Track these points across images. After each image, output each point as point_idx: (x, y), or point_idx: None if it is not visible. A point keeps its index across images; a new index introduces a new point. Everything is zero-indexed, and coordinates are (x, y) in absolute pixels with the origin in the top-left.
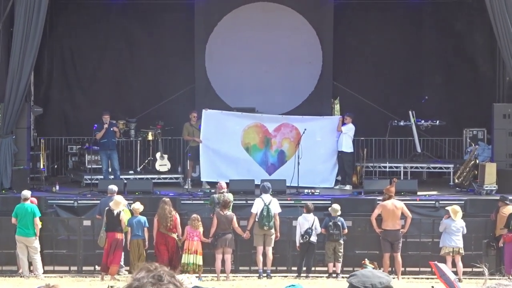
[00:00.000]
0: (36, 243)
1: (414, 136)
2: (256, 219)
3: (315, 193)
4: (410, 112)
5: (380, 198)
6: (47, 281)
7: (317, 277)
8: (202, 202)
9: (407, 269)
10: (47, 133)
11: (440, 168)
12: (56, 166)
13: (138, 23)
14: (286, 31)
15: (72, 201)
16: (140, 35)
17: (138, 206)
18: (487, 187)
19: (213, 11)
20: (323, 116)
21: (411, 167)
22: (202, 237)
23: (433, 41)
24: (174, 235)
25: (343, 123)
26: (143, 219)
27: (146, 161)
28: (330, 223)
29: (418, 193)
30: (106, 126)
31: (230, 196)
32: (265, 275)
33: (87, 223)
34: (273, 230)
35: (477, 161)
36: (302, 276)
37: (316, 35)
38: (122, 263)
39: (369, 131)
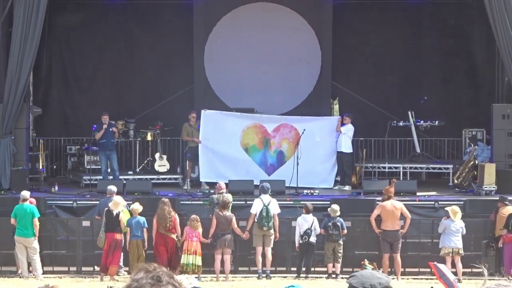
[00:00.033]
0: (35, 244)
1: (413, 137)
2: (255, 220)
3: (314, 194)
4: (409, 113)
5: (380, 198)
6: (46, 281)
7: (317, 277)
8: (201, 202)
9: (407, 269)
10: (46, 134)
11: (440, 168)
12: (55, 167)
13: (137, 23)
14: (285, 31)
15: (71, 202)
16: (139, 35)
17: (137, 207)
18: (486, 187)
19: (212, 11)
20: (322, 116)
21: (410, 168)
22: (201, 238)
23: (432, 41)
24: (173, 236)
25: (342, 124)
26: (142, 219)
27: (145, 161)
28: (330, 224)
29: (418, 193)
30: (105, 126)
31: (229, 197)
32: (264, 275)
33: (86, 223)
34: (272, 231)
35: (476, 162)
36: (302, 277)
37: (315, 35)
38: (121, 263)
39: (368, 131)
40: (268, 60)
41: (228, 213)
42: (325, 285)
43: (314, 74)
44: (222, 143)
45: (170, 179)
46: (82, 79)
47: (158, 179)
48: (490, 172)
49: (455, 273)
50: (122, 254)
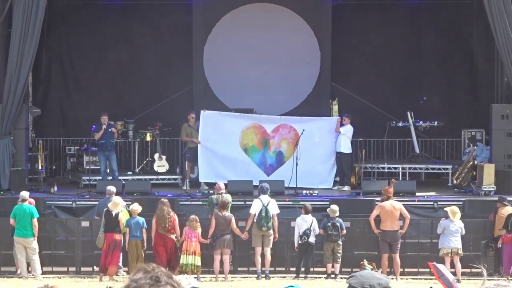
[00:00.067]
0: (35, 244)
1: (412, 137)
2: (255, 220)
3: (314, 194)
4: (408, 113)
5: (379, 199)
6: (46, 282)
7: (316, 277)
8: (201, 203)
9: (406, 269)
10: (45, 134)
11: (439, 169)
12: (54, 167)
13: (136, 24)
14: (284, 31)
15: (70, 202)
16: (138, 36)
17: (137, 207)
18: (485, 188)
19: (211, 11)
20: (321, 117)
21: (410, 168)
22: (200, 238)
23: (432, 41)
24: (173, 236)
25: (342, 124)
26: (141, 220)
27: (145, 162)
28: (329, 224)
29: (417, 194)
30: (104, 127)
31: (228, 197)
32: (263, 275)
33: (85, 224)
34: (271, 231)
35: (476, 162)
36: (301, 277)
37: (314, 35)
38: (120, 264)
39: (368, 132)
40: (267, 61)
41: (227, 213)
42: (324, 285)
43: (313, 75)
44: (221, 144)
45: (169, 179)
46: (81, 79)
47: (157, 179)
48: (489, 173)
49: (454, 273)
50: (121, 254)
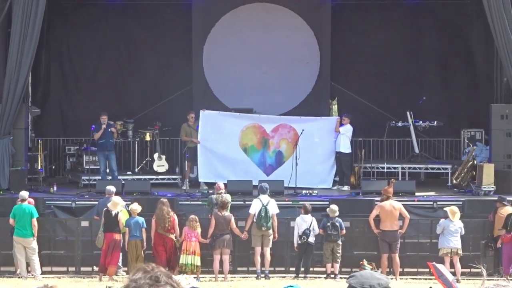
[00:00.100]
0: (34, 244)
1: (412, 137)
2: (254, 220)
3: (313, 194)
4: (408, 113)
5: (378, 198)
6: (45, 282)
7: (315, 277)
8: (200, 203)
9: (405, 269)
10: (45, 134)
11: (438, 169)
12: (54, 167)
13: (136, 24)
14: (283, 31)
15: (70, 202)
16: (138, 36)
17: (136, 207)
18: (485, 187)
19: (211, 11)
20: (321, 116)
21: (409, 168)
22: (200, 238)
23: (431, 41)
24: (172, 236)
25: (341, 124)
26: (141, 220)
27: (144, 162)
28: (328, 224)
29: (416, 193)
30: (104, 126)
31: (228, 197)
32: (263, 275)
33: (85, 224)
34: (271, 231)
35: (475, 162)
36: (300, 277)
37: (314, 35)
38: (120, 263)
39: (367, 131)
40: (267, 61)
41: (227, 213)
42: (324, 285)
43: (313, 74)
44: (221, 144)
45: (169, 179)
46: (81, 79)
47: (157, 179)
48: (488, 173)
49: (453, 273)
50: (120, 254)
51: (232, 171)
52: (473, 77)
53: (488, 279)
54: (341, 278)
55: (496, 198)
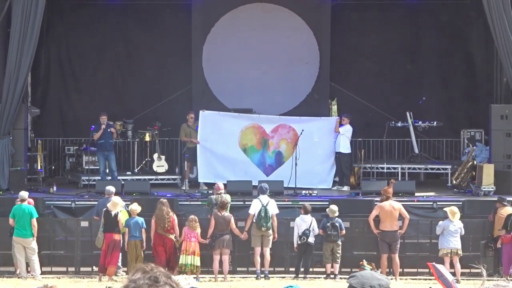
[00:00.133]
0: (34, 244)
1: (411, 137)
2: (254, 220)
3: (313, 194)
4: (407, 113)
5: (378, 199)
6: (45, 282)
7: (315, 278)
8: (200, 203)
9: (405, 270)
10: (44, 134)
11: (438, 169)
12: (53, 167)
13: (135, 24)
14: (283, 32)
15: (70, 202)
16: (137, 36)
17: (136, 207)
18: (485, 188)
19: (210, 12)
20: (320, 117)
21: (409, 168)
22: (199, 238)
23: (431, 41)
24: (172, 236)
25: (341, 124)
26: (140, 220)
27: (144, 162)
28: (328, 224)
29: (416, 194)
30: (103, 127)
31: (227, 197)
32: (262, 276)
33: (84, 224)
34: (270, 231)
35: (475, 162)
36: (300, 277)
37: (313, 35)
38: (119, 264)
39: (367, 132)
40: (267, 61)
41: (226, 213)
42: (324, 285)
43: (313, 75)
44: (221, 144)
45: (168, 179)
46: (81, 79)
47: (156, 179)
48: (488, 173)
49: (453, 274)
50: (120, 254)
51: (231, 171)
52: (473, 78)
53: (488, 280)
54: (340, 278)
55: (496, 199)
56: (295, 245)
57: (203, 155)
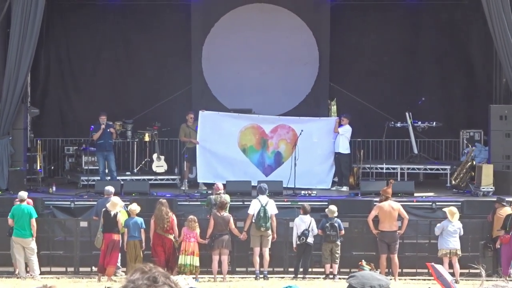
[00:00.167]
0: (33, 244)
1: (411, 138)
2: (253, 220)
3: (312, 194)
4: (407, 114)
5: (377, 199)
6: (44, 282)
7: (314, 278)
8: (199, 203)
9: (404, 270)
10: (44, 134)
11: (437, 169)
12: (52, 167)
13: (135, 24)
14: (282, 32)
15: (69, 202)
16: (137, 36)
17: (135, 207)
18: (484, 188)
19: (210, 12)
20: (320, 117)
21: (408, 169)
22: (199, 238)
23: (430, 42)
24: (171, 236)
25: (340, 125)
26: (139, 220)
27: (143, 162)
28: (327, 224)
29: (415, 194)
30: (103, 127)
31: (226, 197)
32: (261, 276)
33: (83, 224)
34: (269, 231)
35: (474, 163)
36: (299, 277)
37: (313, 36)
38: (119, 264)
39: (366, 132)
40: (266, 61)
41: (225, 213)
42: (323, 285)
43: (312, 75)
44: (220, 144)
45: (167, 179)
46: (80, 79)
47: (155, 179)
48: (487, 173)
49: (452, 274)
50: (119, 254)
51: (231, 171)
52: (472, 78)
53: (487, 280)
54: (340, 278)
55: (495, 199)
56: (294, 245)
57: (202, 155)
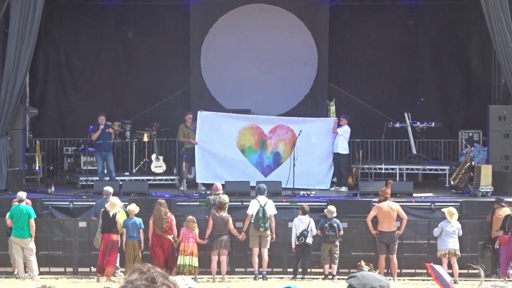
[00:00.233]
0: (32, 245)
1: (409, 138)
2: (252, 221)
3: (311, 195)
4: (405, 114)
5: (376, 199)
6: (43, 282)
7: (313, 278)
8: (198, 203)
9: (403, 270)
10: (43, 135)
11: (436, 170)
12: (51, 168)
13: (134, 25)
14: (281, 32)
15: (68, 203)
16: (136, 36)
17: (134, 208)
18: (482, 189)
19: (208, 12)
20: (318, 117)
21: (407, 169)
22: (197, 239)
23: (429, 43)
24: (170, 237)
25: (339, 125)
26: (138, 220)
27: (142, 162)
28: (326, 225)
29: (414, 195)
30: (101, 127)
31: (225, 198)
32: (260, 276)
33: (82, 224)
34: (268, 232)
35: (473, 163)
36: (298, 278)
37: (312, 36)
38: (117, 264)
39: (365, 132)
40: (265, 61)
41: (224, 214)
42: (322, 286)
43: (311, 76)
44: (219, 144)
45: (166, 180)
46: (79, 80)
47: (154, 180)
48: (486, 174)
49: (451, 274)
50: (118, 255)
51: (230, 172)
52: (471, 78)
53: (486, 280)
54: (338, 279)
55: (494, 199)
56: (293, 246)
57: (201, 156)
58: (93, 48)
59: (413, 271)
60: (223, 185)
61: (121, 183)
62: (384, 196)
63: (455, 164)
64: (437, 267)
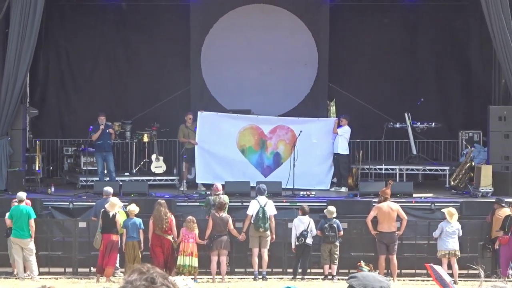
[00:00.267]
0: (32, 245)
1: (409, 138)
2: (252, 221)
3: (311, 195)
4: (406, 114)
5: (376, 200)
6: (43, 282)
7: (313, 279)
8: (198, 204)
9: (403, 271)
10: (43, 135)
11: (436, 170)
12: (51, 168)
13: (134, 25)
14: (282, 33)
15: (68, 203)
16: (136, 36)
17: (134, 208)
18: (482, 189)
19: (209, 12)
20: (318, 118)
21: (407, 169)
22: (197, 239)
23: (429, 43)
24: (170, 237)
25: (339, 125)
26: (138, 221)
27: (142, 163)
28: (326, 225)
29: (414, 195)
30: (102, 127)
31: (225, 198)
32: (260, 276)
33: (82, 225)
34: (268, 232)
35: (473, 163)
36: (298, 278)
37: (312, 37)
38: (117, 265)
39: (365, 133)
40: (265, 62)
41: (224, 214)
42: (321, 286)
43: (311, 76)
44: (219, 145)
45: (166, 180)
46: (79, 80)
47: (154, 180)
48: (486, 174)
49: (451, 275)
50: (118, 255)
51: (230, 172)
52: (471, 79)
53: (485, 281)
54: (338, 279)
55: (494, 200)
56: (293, 246)
57: (201, 156)
58: (93, 48)
59: (413, 271)
60: (223, 185)
61: (121, 183)
62: (384, 197)
63: (455, 164)
64: (437, 267)
